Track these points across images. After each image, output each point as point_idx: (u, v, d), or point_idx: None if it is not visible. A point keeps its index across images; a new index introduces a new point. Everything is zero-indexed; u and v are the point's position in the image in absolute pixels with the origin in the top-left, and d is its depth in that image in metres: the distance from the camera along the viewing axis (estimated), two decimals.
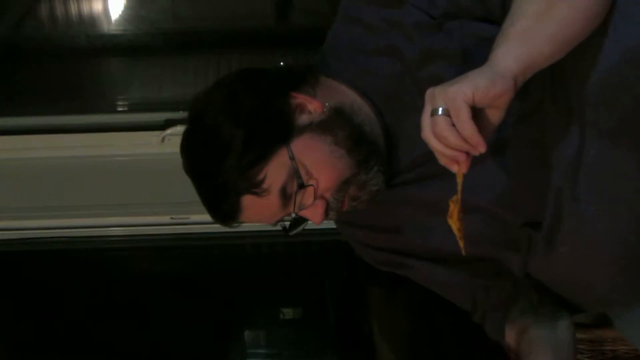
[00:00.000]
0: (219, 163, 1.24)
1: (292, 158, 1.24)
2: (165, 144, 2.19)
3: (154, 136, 2.21)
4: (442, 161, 1.07)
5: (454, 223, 1.13)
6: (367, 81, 1.31)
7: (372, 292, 2.49)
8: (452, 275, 1.43)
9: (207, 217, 1.33)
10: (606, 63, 1.19)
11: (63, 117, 2.30)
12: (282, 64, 2.10)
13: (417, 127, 1.07)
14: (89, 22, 2.49)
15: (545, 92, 1.21)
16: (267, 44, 2.50)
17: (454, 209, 1.12)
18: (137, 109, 2.42)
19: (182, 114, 1.67)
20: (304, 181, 1.25)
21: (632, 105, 1.19)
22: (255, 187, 1.24)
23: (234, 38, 2.52)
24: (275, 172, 1.24)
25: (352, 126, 1.26)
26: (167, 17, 2.51)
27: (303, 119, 1.27)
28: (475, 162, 1.07)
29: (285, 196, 1.26)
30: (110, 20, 2.51)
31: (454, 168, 1.06)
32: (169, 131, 2.18)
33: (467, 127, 1.01)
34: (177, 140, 1.35)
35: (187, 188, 1.34)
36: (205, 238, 2.25)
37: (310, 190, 1.26)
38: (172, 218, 2.19)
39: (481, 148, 1.02)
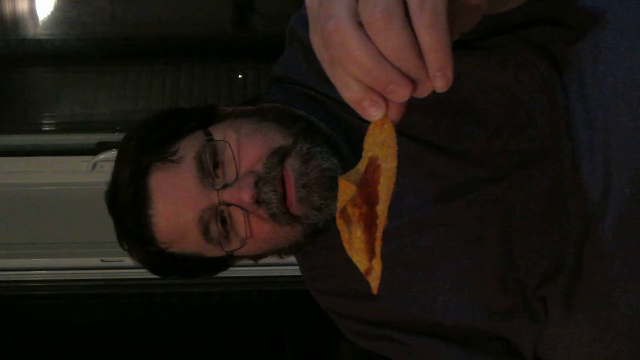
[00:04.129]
0: (124, 151, 1.20)
1: (208, 134, 1.17)
2: (97, 172, 2.07)
3: (83, 162, 2.11)
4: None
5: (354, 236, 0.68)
6: (312, 106, 1.23)
7: (342, 348, 2.42)
8: (469, 356, 1.25)
9: None
10: None
11: None
12: (240, 76, 2.14)
13: None
14: (10, 25, 2.34)
15: (558, 124, 1.09)
16: (223, 52, 2.44)
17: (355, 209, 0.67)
18: (65, 129, 2.31)
19: (118, 136, 1.61)
20: (214, 137, 1.16)
21: None
22: (166, 155, 1.17)
23: (184, 45, 2.43)
24: (189, 145, 1.17)
25: (291, 112, 1.19)
26: (104, 21, 2.39)
27: (227, 110, 1.24)
28: (477, 212, 1.00)
29: (203, 167, 1.15)
30: (37, 22, 2.36)
31: (372, 112, 0.66)
32: (101, 156, 2.08)
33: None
34: (111, 167, 1.26)
35: None
36: (143, 285, 2.20)
37: (229, 159, 1.14)
38: (102, 260, 2.11)
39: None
